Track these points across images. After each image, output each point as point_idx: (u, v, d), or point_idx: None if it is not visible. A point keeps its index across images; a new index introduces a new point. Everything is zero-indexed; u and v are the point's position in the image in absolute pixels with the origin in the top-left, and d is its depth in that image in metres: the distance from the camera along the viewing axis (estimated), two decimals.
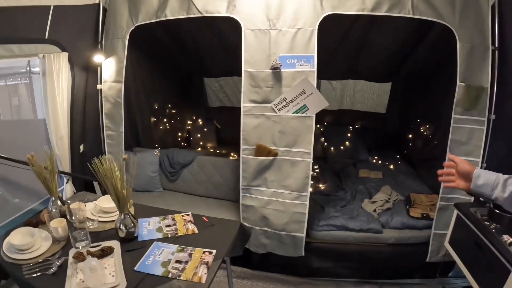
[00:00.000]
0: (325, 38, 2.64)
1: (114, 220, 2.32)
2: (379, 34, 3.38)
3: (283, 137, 2.76)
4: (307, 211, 2.86)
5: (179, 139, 4.83)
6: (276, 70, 2.62)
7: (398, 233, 3.09)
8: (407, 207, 3.35)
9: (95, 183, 3.69)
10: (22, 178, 3.18)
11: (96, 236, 2.18)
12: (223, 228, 2.35)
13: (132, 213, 2.31)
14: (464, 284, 3.01)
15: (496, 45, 2.58)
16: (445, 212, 2.83)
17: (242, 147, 2.83)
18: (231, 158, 4.01)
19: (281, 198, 2.87)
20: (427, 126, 4.14)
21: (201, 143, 4.92)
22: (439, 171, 1.64)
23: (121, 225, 2.12)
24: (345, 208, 3.41)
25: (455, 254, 2.60)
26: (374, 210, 3.36)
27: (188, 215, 2.46)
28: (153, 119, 4.29)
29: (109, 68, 3.19)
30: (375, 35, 3.40)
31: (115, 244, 2.11)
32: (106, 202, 2.47)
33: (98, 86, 3.26)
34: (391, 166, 4.46)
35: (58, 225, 2.15)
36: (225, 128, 5.07)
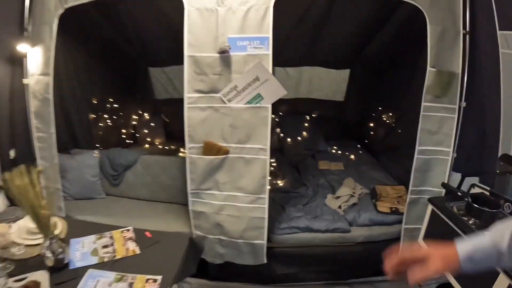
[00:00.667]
0: (280, 20, 2.23)
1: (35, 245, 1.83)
2: (340, 15, 2.98)
3: (235, 132, 2.30)
4: (266, 216, 2.43)
5: (123, 136, 4.25)
6: (224, 54, 2.15)
7: (367, 231, 2.79)
8: (374, 201, 3.05)
9: None
10: None
11: (23, 265, 1.73)
12: (170, 244, 1.92)
13: (63, 233, 1.92)
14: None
15: (467, 29, 2.36)
16: (415, 206, 2.61)
17: (187, 145, 2.34)
18: (179, 155, 3.49)
19: (236, 202, 2.42)
20: (390, 114, 3.83)
21: (148, 139, 4.36)
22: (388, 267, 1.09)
23: (47, 252, 1.66)
24: (307, 207, 3.02)
25: None
26: (339, 207, 3.00)
27: (128, 230, 2.01)
28: (92, 116, 3.65)
29: (36, 59, 2.59)
30: (335, 17, 3.00)
31: (43, 276, 1.63)
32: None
33: (24, 81, 2.65)
34: (352, 156, 4.13)
35: None
36: (174, 122, 4.50)
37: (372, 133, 4.29)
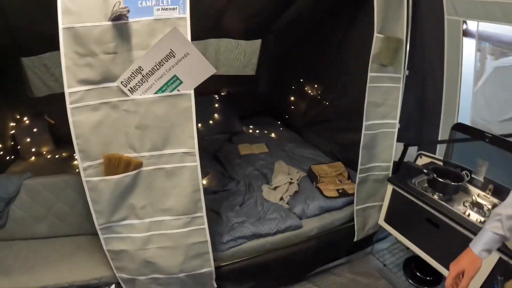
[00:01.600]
0: None
1: None
2: None
3: (146, 135, 1.56)
4: (208, 238, 1.78)
5: (1, 153, 3.23)
6: (120, 22, 1.37)
7: (318, 221, 2.38)
8: (314, 184, 2.63)
9: None
10: None
11: None
12: None
13: None
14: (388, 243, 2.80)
15: None
16: (365, 184, 2.36)
17: (81, 164, 1.52)
18: (73, 173, 2.58)
19: (165, 229, 1.72)
20: (315, 86, 3.39)
21: (33, 149, 3.33)
22: None
23: None
24: (245, 207, 2.44)
25: (396, 231, 2.27)
26: (281, 199, 2.50)
27: None
28: None
29: None
30: None
31: None
32: None
33: None
34: (273, 135, 3.66)
35: None
36: (61, 123, 3.56)
37: (292, 107, 3.81)
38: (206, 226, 1.75)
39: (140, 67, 1.45)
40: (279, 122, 3.98)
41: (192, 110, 1.56)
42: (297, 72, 3.69)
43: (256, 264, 2.23)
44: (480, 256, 1.29)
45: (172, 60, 1.45)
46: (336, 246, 2.56)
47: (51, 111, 3.48)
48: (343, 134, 2.95)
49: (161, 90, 1.50)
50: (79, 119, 1.49)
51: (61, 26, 1.37)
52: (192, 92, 1.54)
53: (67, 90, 1.46)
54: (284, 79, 3.89)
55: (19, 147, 3.36)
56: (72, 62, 1.43)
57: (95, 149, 1.53)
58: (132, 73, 1.45)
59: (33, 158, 3.36)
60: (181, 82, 1.50)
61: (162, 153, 1.59)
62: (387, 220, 2.33)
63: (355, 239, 2.49)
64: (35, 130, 3.39)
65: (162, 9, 1.39)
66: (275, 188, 2.62)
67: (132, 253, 1.74)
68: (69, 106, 1.48)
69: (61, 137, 3.49)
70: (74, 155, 3.22)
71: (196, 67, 1.49)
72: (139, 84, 1.48)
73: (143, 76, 1.46)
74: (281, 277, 2.38)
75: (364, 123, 2.15)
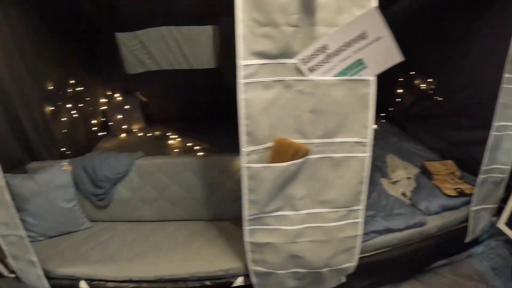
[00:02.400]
0: None
1: None
2: None
3: (319, 121, 1.42)
4: (361, 231, 1.67)
5: (93, 128, 3.22)
6: None
7: (439, 219, 2.24)
8: (431, 181, 2.50)
9: None
10: None
11: None
12: None
13: None
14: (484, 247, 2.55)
15: None
16: (483, 186, 2.18)
17: (245, 148, 1.41)
18: (196, 155, 2.43)
19: (321, 222, 1.60)
20: (425, 79, 3.15)
21: (124, 126, 3.33)
22: None
23: None
24: (370, 200, 2.27)
25: None
26: (403, 194, 2.39)
27: None
28: (48, 109, 2.59)
29: None
30: None
31: None
32: None
33: None
34: (376, 126, 3.54)
35: None
36: (154, 101, 3.53)
37: (397, 100, 3.62)
38: (361, 220, 1.63)
39: (325, 46, 1.31)
40: (381, 114, 3.80)
41: (371, 98, 1.40)
42: (405, 63, 3.48)
43: (381, 260, 2.11)
44: None
45: (362, 42, 1.31)
46: (449, 245, 2.42)
47: (144, 88, 3.44)
48: (456, 132, 2.77)
49: (343, 73, 1.36)
50: (250, 97, 1.36)
51: None
52: (373, 78, 1.39)
53: (241, 62, 1.32)
54: (389, 70, 3.70)
55: (110, 123, 3.34)
56: (249, 31, 1.29)
57: (262, 132, 1.42)
58: (315, 51, 1.32)
59: (123, 135, 3.36)
60: (365, 67, 1.36)
61: (332, 141, 1.46)
62: (509, 224, 2.18)
63: (466, 240, 2.34)
64: (126, 107, 3.36)
65: None
66: (394, 183, 2.46)
67: (279, 246, 1.64)
68: (241, 81, 1.34)
69: (153, 116, 3.47)
70: (168, 134, 3.22)
71: (384, 53, 1.34)
72: (320, 64, 1.34)
73: (327, 56, 1.33)
74: (395, 274, 2.28)
75: (494, 124, 1.99)
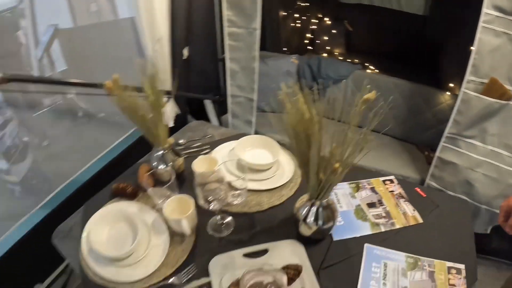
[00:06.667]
0: None
1: (267, 190, 1.32)
2: None
3: None
4: None
5: (305, 41, 3.70)
6: None
7: None
8: None
9: (208, 102, 2.76)
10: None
11: (243, 222, 1.20)
12: (451, 213, 1.27)
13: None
14: None
15: None
16: None
17: (467, 77, 1.60)
18: (403, 79, 2.62)
19: (498, 162, 1.72)
20: None
21: (327, 47, 3.74)
22: None
23: (309, 217, 1.06)
24: None
25: None
26: None
27: (392, 181, 1.40)
28: (282, 13, 3.13)
29: None
30: None
31: (297, 252, 1.10)
32: (251, 146, 1.48)
33: None
34: None
35: (182, 211, 1.09)
36: (358, 32, 3.80)
37: None
38: None
39: None
40: None
41: None
42: None
43: None
44: None
45: None
46: None
47: (352, 19, 3.67)
48: None
49: None
50: (483, 38, 1.53)
51: None
52: None
53: (484, 10, 1.49)
54: None
55: (317, 41, 3.70)
56: None
57: (483, 69, 1.58)
58: None
59: (324, 54, 3.68)
60: None
61: None
62: None
63: None
64: (333, 31, 3.65)
65: None
66: None
67: (460, 168, 1.84)
68: (480, 24, 1.51)
69: (353, 45, 3.71)
70: (365, 64, 3.45)
71: None
72: None
73: None
74: None
75: None
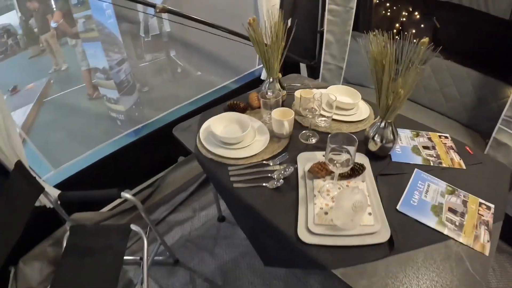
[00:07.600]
0: None
1: (347, 122, 1.73)
2: None
3: None
4: None
5: (394, 30, 3.90)
6: None
7: None
8: None
9: (303, 66, 3.18)
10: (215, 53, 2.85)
11: (325, 137, 1.50)
12: (492, 170, 1.55)
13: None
14: None
15: None
16: None
17: None
18: (475, 70, 2.89)
19: None
20: None
21: (413, 40, 3.96)
22: None
23: (376, 136, 1.46)
24: None
25: None
26: None
27: (446, 137, 1.71)
28: (376, 1, 3.41)
29: None
30: None
31: (363, 160, 1.49)
32: (338, 92, 1.84)
33: None
34: None
35: (284, 117, 1.55)
36: (445, 29, 3.96)
37: None
38: None
39: None
40: None
41: None
42: None
43: None
44: None
45: None
46: None
47: (442, 16, 3.81)
48: None
49: None
50: None
51: None
52: None
53: None
54: None
55: (403, 33, 3.88)
56: None
57: None
58: None
59: None
60: None
61: None
62: None
63: None
64: (421, 25, 3.83)
65: None
66: None
67: (511, 151, 2.08)
68: None
69: (438, 41, 3.86)
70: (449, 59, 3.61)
71: None
72: None
73: None
74: None
75: None
